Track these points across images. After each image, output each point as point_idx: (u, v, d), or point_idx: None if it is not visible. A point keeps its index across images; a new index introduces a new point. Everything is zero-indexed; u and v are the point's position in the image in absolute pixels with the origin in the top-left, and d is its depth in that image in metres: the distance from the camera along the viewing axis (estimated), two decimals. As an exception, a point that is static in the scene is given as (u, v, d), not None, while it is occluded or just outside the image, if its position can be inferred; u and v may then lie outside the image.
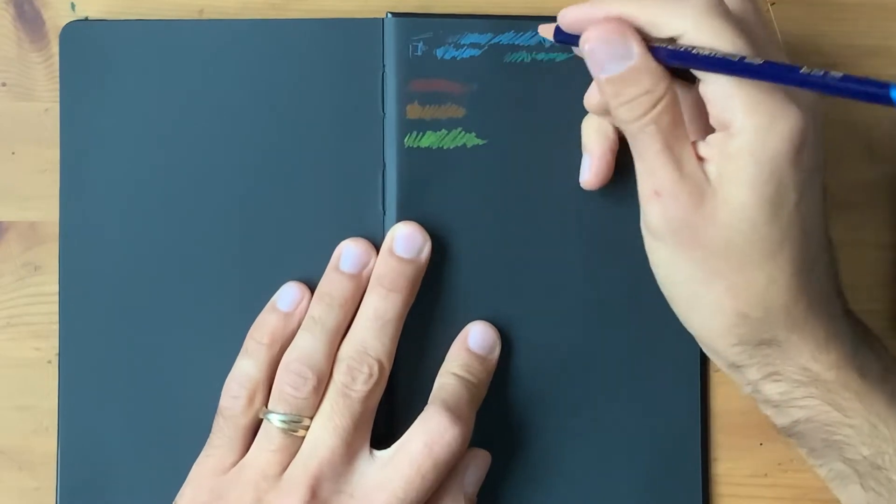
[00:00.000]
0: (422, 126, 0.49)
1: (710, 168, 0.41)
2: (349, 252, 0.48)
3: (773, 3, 0.51)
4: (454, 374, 0.48)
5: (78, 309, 0.49)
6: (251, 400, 0.46)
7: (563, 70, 0.49)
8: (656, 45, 0.42)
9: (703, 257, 0.42)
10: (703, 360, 0.50)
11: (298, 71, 0.49)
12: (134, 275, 0.49)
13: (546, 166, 0.49)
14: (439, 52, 0.49)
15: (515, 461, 0.49)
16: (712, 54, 0.40)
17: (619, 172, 0.48)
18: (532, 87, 0.49)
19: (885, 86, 0.37)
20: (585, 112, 0.48)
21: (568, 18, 0.44)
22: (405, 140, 0.49)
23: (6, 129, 0.51)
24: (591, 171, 0.47)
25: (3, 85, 0.51)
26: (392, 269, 0.47)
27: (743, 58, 0.40)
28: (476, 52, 0.49)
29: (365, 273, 0.48)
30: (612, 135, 0.47)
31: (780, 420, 0.45)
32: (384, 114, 0.49)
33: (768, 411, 0.45)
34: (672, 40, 0.42)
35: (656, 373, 0.49)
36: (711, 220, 0.41)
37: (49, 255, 0.50)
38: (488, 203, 0.49)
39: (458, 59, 0.49)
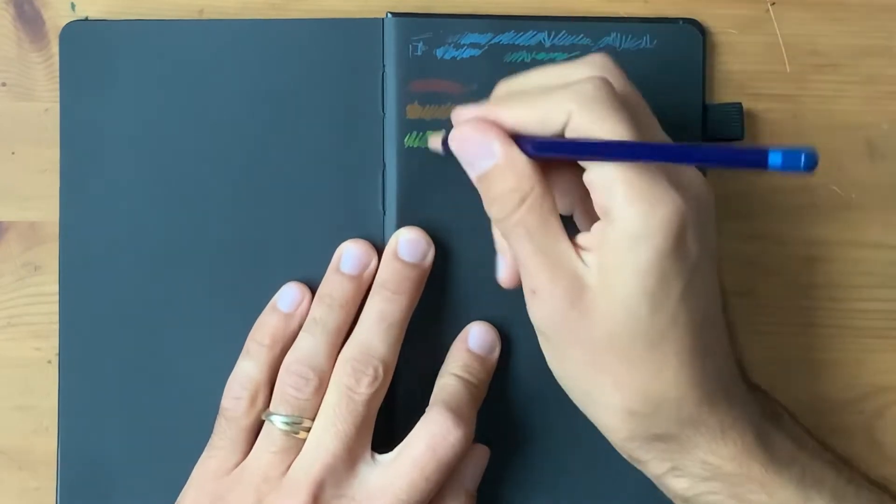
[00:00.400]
0: (422, 126, 0.49)
1: (591, 258, 0.40)
2: (350, 253, 0.48)
3: (773, 3, 0.51)
4: (454, 375, 0.47)
5: (78, 309, 0.49)
6: (253, 401, 0.46)
7: (563, 70, 0.49)
8: (527, 139, 0.41)
9: (586, 352, 0.41)
10: (703, 360, 0.50)
11: (298, 71, 0.49)
12: (134, 275, 0.49)
13: (546, 166, 0.49)
14: (439, 52, 0.49)
15: (515, 461, 0.49)
16: (583, 140, 0.39)
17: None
18: (532, 87, 0.49)
19: (762, 152, 0.35)
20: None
21: (460, 117, 0.43)
22: (405, 140, 0.49)
23: (6, 129, 0.51)
24: (506, 271, 0.46)
25: (3, 85, 0.51)
26: (396, 272, 0.47)
27: (612, 142, 0.39)
28: (476, 52, 0.49)
29: (366, 274, 0.48)
30: None
31: None
32: (384, 114, 0.49)
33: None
34: (561, 134, 0.40)
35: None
36: (591, 314, 0.40)
37: (49, 255, 0.50)
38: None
39: (458, 59, 0.49)
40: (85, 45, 0.49)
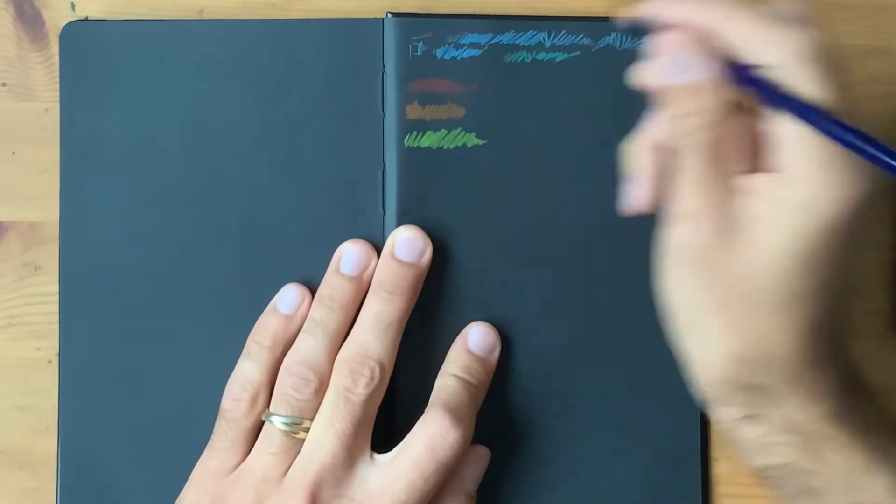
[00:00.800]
0: (422, 126, 0.49)
1: (749, 206, 0.40)
2: (349, 254, 0.48)
3: (773, 3, 0.51)
4: (454, 376, 0.47)
5: (78, 309, 0.49)
6: (253, 402, 0.46)
7: (563, 70, 0.49)
8: (743, 65, 0.40)
9: (716, 289, 0.41)
10: (703, 360, 0.50)
11: (298, 71, 0.49)
12: (134, 275, 0.49)
13: (546, 166, 0.49)
14: (439, 52, 0.49)
15: (515, 461, 0.49)
16: (803, 102, 0.39)
17: (620, 172, 0.48)
18: (532, 87, 0.49)
19: None
20: (583, 111, 0.47)
21: (662, 35, 0.42)
22: (405, 140, 0.49)
23: (6, 129, 0.51)
24: (642, 194, 0.44)
25: (3, 85, 0.51)
26: (393, 272, 0.47)
27: (836, 121, 0.38)
28: (476, 52, 0.49)
29: (366, 275, 0.48)
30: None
31: (755, 461, 0.43)
32: (384, 114, 0.49)
33: (742, 449, 0.44)
34: (755, 66, 0.40)
35: (656, 373, 0.49)
36: (737, 255, 0.40)
37: (49, 255, 0.50)
38: (488, 203, 0.49)
39: (458, 59, 0.49)
40: (85, 45, 0.49)
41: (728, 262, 0.41)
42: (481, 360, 0.48)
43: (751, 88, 0.40)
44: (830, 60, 0.39)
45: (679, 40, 0.41)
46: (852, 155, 0.38)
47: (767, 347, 0.41)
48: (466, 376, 0.48)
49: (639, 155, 0.44)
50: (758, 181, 0.40)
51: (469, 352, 0.48)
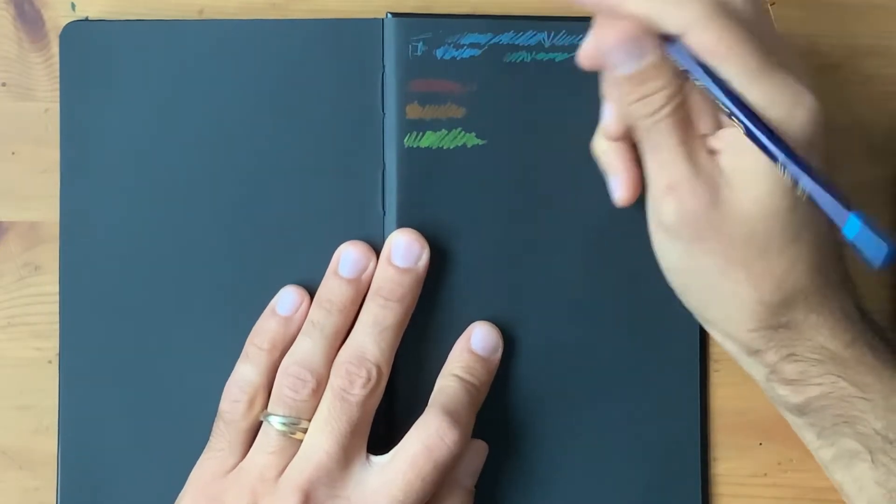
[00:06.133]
0: (422, 126, 0.49)
1: (725, 160, 0.42)
2: (348, 256, 0.48)
3: (773, 3, 0.51)
4: (455, 376, 0.47)
5: (78, 309, 0.49)
6: (251, 404, 0.46)
7: (563, 70, 0.49)
8: (671, 44, 0.42)
9: (720, 249, 0.43)
10: (703, 361, 0.50)
11: (298, 71, 0.49)
12: (134, 275, 0.49)
13: (546, 166, 0.49)
14: (439, 53, 0.49)
15: (515, 461, 0.49)
16: (728, 91, 0.41)
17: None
18: (532, 87, 0.49)
19: (847, 212, 0.38)
20: (583, 111, 0.48)
21: (598, 31, 0.43)
22: (405, 140, 0.49)
23: (6, 129, 0.51)
24: (624, 187, 0.47)
25: (3, 85, 0.51)
26: (390, 279, 0.47)
27: (750, 113, 0.40)
28: (476, 52, 0.49)
29: (364, 277, 0.48)
30: (627, 147, 0.46)
31: (795, 398, 0.45)
32: (384, 114, 0.49)
33: (783, 391, 0.45)
34: (670, 38, 0.42)
35: (656, 373, 0.49)
36: (729, 212, 0.42)
37: (49, 255, 0.50)
38: (488, 203, 0.49)
39: (457, 59, 0.49)
40: (85, 45, 0.49)
41: (723, 220, 0.42)
42: (483, 361, 0.48)
43: (688, 67, 0.42)
44: (730, 14, 0.41)
45: (622, 30, 0.42)
46: (791, 82, 0.41)
47: (787, 284, 0.43)
48: (467, 376, 0.48)
49: (604, 151, 0.47)
50: (723, 136, 0.42)
51: (471, 352, 0.48)
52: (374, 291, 0.47)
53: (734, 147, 0.42)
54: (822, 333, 0.44)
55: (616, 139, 0.46)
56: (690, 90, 0.43)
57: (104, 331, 0.49)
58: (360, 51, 0.49)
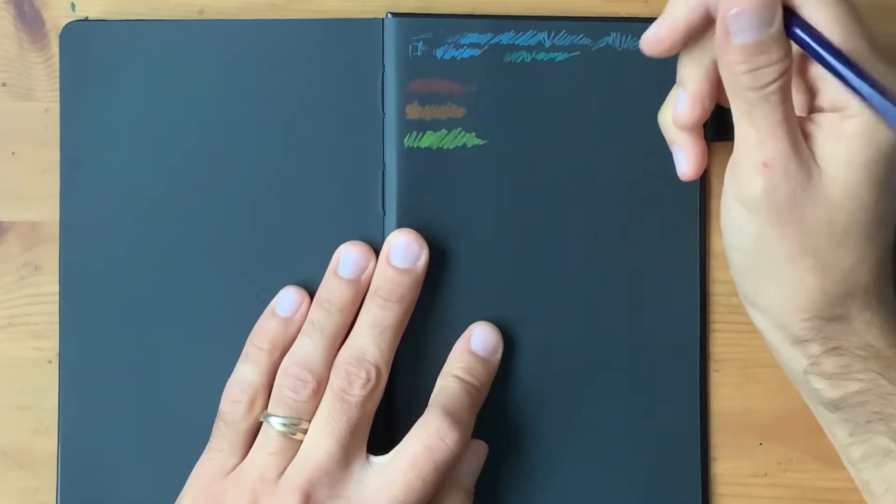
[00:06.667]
0: (422, 126, 0.49)
1: (816, 147, 0.42)
2: (348, 257, 0.48)
3: (773, 3, 0.51)
4: (455, 377, 0.47)
5: (78, 309, 0.49)
6: (251, 405, 0.46)
7: (563, 70, 0.49)
8: (800, 22, 0.42)
9: (798, 233, 0.43)
10: (703, 361, 0.50)
11: (298, 71, 0.49)
12: (134, 275, 0.49)
13: (546, 166, 0.49)
14: (439, 52, 0.49)
15: (515, 461, 0.49)
16: (847, 59, 0.41)
17: (620, 172, 0.49)
18: (532, 87, 0.49)
19: None
20: (583, 111, 0.48)
21: None
22: (405, 140, 0.49)
23: (6, 129, 0.51)
24: (691, 159, 0.46)
25: (3, 85, 0.51)
26: (389, 279, 0.47)
27: (876, 82, 0.41)
28: (476, 52, 0.49)
29: (364, 277, 0.48)
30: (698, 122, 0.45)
31: (832, 393, 0.45)
32: (384, 114, 0.49)
33: (819, 384, 0.45)
34: (786, 8, 0.42)
35: (656, 373, 0.49)
36: (815, 198, 0.42)
37: (49, 255, 0.50)
38: (488, 203, 0.49)
39: (457, 59, 0.49)
40: (85, 45, 0.49)
41: (808, 205, 0.42)
42: (483, 361, 0.48)
43: (803, 43, 0.42)
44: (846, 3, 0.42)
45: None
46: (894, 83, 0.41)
47: (851, 278, 0.43)
48: (468, 377, 0.47)
49: (670, 126, 0.46)
50: (820, 121, 0.42)
51: (471, 352, 0.48)
52: (374, 292, 0.47)
53: (830, 133, 0.42)
54: (871, 331, 0.44)
55: (688, 127, 0.45)
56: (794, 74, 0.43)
57: (104, 331, 0.49)
58: (360, 51, 0.49)
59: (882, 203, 0.42)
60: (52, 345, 0.50)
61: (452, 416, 0.45)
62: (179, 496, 0.46)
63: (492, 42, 0.49)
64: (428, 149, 0.49)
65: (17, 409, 0.50)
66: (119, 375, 0.49)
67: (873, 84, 0.41)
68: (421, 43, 0.49)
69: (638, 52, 0.49)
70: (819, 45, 0.42)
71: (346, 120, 0.49)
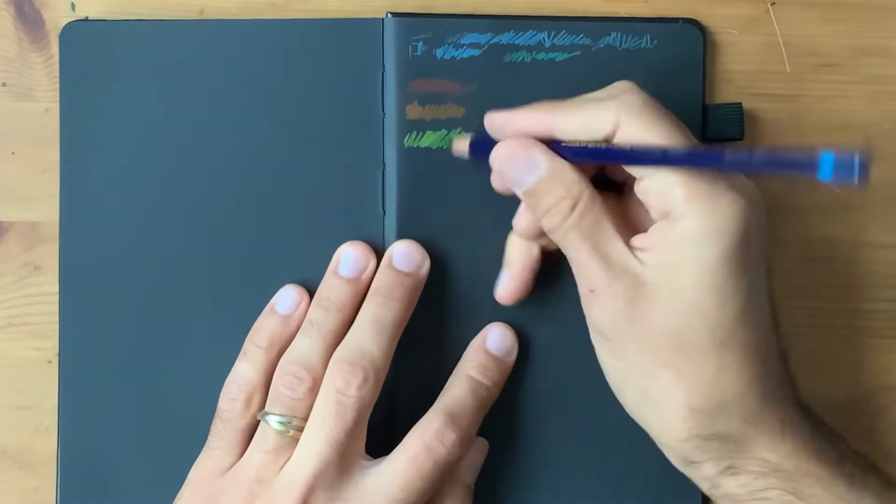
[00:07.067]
0: (422, 126, 0.49)
1: (649, 258, 0.41)
2: (348, 256, 0.48)
3: (773, 3, 0.51)
4: (467, 376, 0.47)
5: (78, 309, 0.49)
6: (248, 402, 0.46)
7: (563, 70, 0.49)
8: (568, 147, 0.42)
9: (647, 349, 0.42)
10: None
11: (298, 71, 0.49)
12: (133, 275, 0.49)
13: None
14: (439, 52, 0.49)
15: (516, 460, 0.49)
16: (634, 148, 0.41)
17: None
18: (532, 87, 0.49)
19: (811, 156, 0.36)
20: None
21: (494, 122, 0.45)
22: (405, 140, 0.49)
23: (6, 129, 0.51)
24: (508, 286, 0.47)
25: (3, 85, 0.51)
26: (391, 280, 0.47)
27: (666, 149, 0.40)
28: (476, 52, 0.49)
29: (363, 277, 0.48)
30: (535, 252, 0.47)
31: None
32: (384, 114, 0.49)
33: None
34: (607, 140, 0.42)
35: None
36: (653, 311, 0.41)
37: (49, 255, 0.50)
38: (488, 204, 0.49)
39: (457, 59, 0.49)
40: (85, 45, 0.49)
41: (648, 321, 0.41)
42: (497, 361, 0.48)
43: (588, 159, 0.42)
44: (657, 108, 0.41)
45: (509, 148, 0.43)
46: (717, 181, 0.40)
47: (718, 391, 0.41)
48: (480, 377, 0.47)
49: (511, 251, 0.47)
50: (651, 233, 0.41)
51: (486, 351, 0.48)
52: (374, 291, 0.47)
53: (661, 242, 0.41)
54: (760, 445, 0.42)
55: (528, 238, 0.46)
56: (608, 199, 0.43)
57: (104, 331, 0.49)
58: (360, 51, 0.49)
59: (727, 308, 0.40)
60: (52, 345, 0.50)
61: (454, 418, 0.45)
62: (178, 494, 0.46)
63: (492, 42, 0.49)
64: (428, 149, 0.49)
65: (17, 409, 0.50)
66: (119, 375, 0.49)
67: (664, 149, 0.40)
68: (421, 43, 0.49)
69: (638, 52, 0.49)
70: (614, 155, 0.41)
71: (346, 120, 0.49)
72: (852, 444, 0.44)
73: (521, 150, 0.43)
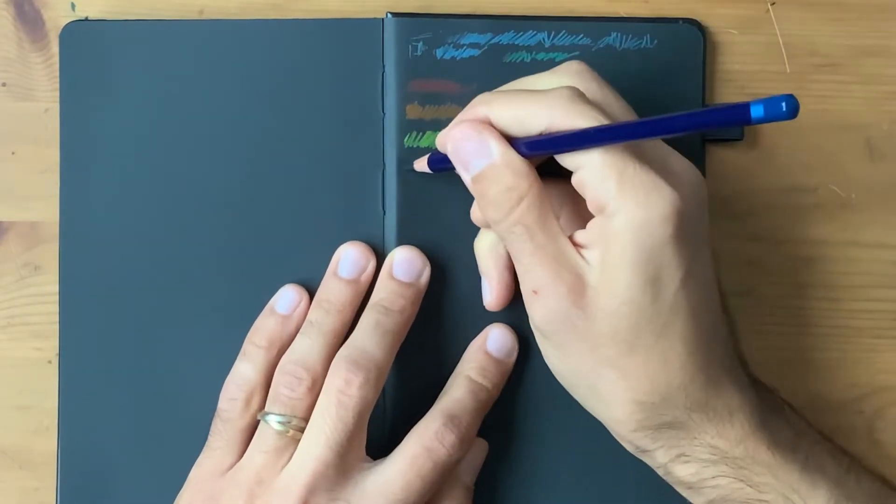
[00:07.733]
0: (422, 126, 0.49)
1: (591, 255, 0.41)
2: (347, 257, 0.48)
3: (773, 3, 0.51)
4: (467, 377, 0.47)
5: (78, 309, 0.49)
6: (248, 402, 0.46)
7: (563, 70, 0.49)
8: (519, 140, 0.42)
9: (590, 348, 0.41)
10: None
11: (298, 71, 0.49)
12: (133, 275, 0.49)
13: (546, 166, 0.49)
14: (439, 53, 0.49)
15: (517, 460, 0.49)
16: (569, 133, 0.40)
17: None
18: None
19: (744, 106, 0.35)
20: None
21: (442, 138, 0.44)
22: (405, 140, 0.49)
23: (6, 129, 0.51)
24: (493, 293, 0.47)
25: (3, 85, 0.51)
26: (392, 290, 0.47)
27: (597, 127, 0.39)
28: (476, 52, 0.49)
29: (363, 278, 0.48)
30: (504, 252, 0.47)
31: (697, 500, 0.44)
32: (384, 114, 0.49)
33: (683, 492, 0.44)
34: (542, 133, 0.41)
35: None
36: (594, 309, 0.41)
37: (49, 255, 0.50)
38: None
39: (457, 59, 0.49)
40: (85, 45, 0.49)
41: (590, 316, 0.41)
42: (497, 363, 0.48)
43: (537, 151, 0.41)
44: (586, 102, 0.41)
45: (462, 131, 0.42)
46: (648, 172, 0.39)
47: (662, 383, 0.41)
48: (480, 378, 0.47)
49: (481, 258, 0.47)
50: (589, 229, 0.41)
51: (486, 352, 0.48)
52: (376, 302, 0.47)
53: (599, 238, 0.40)
54: (708, 432, 0.42)
55: (486, 226, 0.46)
56: (557, 191, 0.43)
57: (104, 331, 0.49)
58: (360, 51, 0.49)
59: (662, 301, 0.40)
60: (52, 345, 0.50)
61: (453, 418, 0.45)
62: (178, 494, 0.46)
63: (492, 42, 0.49)
64: (428, 149, 0.49)
65: (17, 409, 0.50)
66: (119, 375, 0.49)
67: (587, 133, 0.40)
68: (421, 43, 0.49)
69: (638, 52, 0.49)
70: (552, 143, 0.41)
71: (346, 120, 0.49)
72: (849, 445, 0.45)
73: (475, 133, 0.42)
